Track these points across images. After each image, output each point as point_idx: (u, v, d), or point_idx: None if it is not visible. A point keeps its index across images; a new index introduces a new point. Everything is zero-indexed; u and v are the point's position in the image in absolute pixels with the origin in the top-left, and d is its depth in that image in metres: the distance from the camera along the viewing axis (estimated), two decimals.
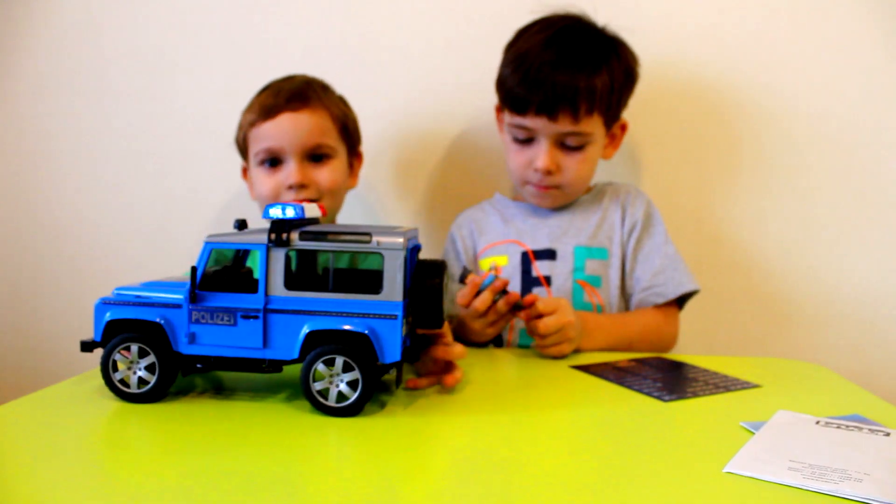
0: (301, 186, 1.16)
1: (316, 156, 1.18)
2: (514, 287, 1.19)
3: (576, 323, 1.04)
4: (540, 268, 1.20)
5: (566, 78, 1.14)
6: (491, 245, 1.25)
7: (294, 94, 1.18)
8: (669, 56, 1.36)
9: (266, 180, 1.19)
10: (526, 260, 1.21)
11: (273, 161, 1.18)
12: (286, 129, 1.16)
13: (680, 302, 1.21)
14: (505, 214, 1.28)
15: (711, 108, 1.37)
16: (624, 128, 1.26)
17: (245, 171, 1.27)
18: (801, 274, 1.37)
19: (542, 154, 1.17)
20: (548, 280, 1.19)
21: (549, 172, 1.18)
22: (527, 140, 1.19)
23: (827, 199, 1.36)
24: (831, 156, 1.35)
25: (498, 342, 1.20)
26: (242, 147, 1.24)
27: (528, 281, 1.20)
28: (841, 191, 1.36)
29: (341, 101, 1.25)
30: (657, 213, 1.24)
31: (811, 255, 1.37)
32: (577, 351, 1.07)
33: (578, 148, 1.18)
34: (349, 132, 1.24)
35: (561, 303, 1.04)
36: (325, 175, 1.18)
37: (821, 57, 1.34)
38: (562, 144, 1.18)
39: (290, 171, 1.16)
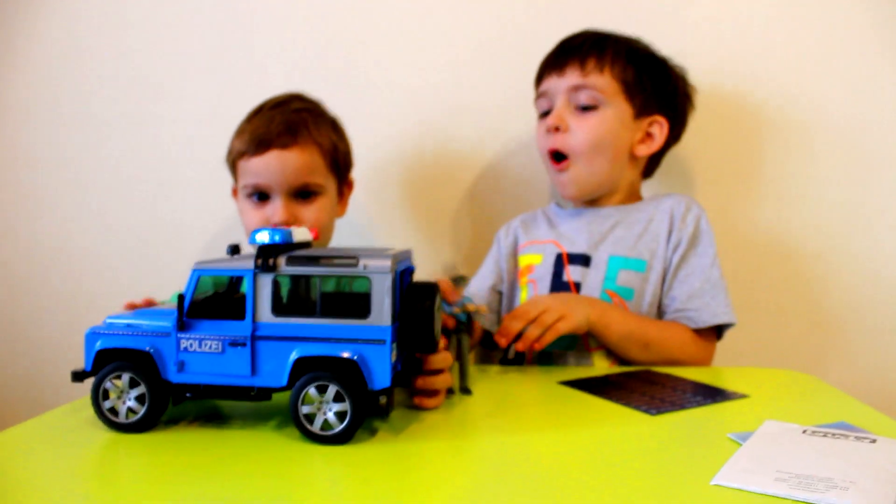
0: (286, 225, 1.15)
1: (303, 192, 1.18)
2: (544, 291, 1.19)
3: (559, 304, 1.04)
4: (572, 272, 1.19)
5: (579, 38, 1.19)
6: (531, 242, 1.26)
7: (285, 127, 1.16)
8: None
9: (253, 214, 1.19)
10: (559, 262, 1.20)
11: (260, 195, 1.18)
12: (274, 167, 1.15)
13: (719, 331, 1.15)
14: (552, 218, 1.28)
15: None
16: (663, 127, 1.22)
17: (235, 192, 1.27)
18: (797, 280, 1.39)
19: (555, 112, 1.18)
20: (577, 286, 1.18)
21: (555, 129, 1.18)
22: (546, 113, 1.21)
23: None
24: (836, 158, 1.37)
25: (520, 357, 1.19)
26: (232, 170, 1.24)
27: (558, 284, 1.19)
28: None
29: (333, 131, 1.24)
30: (709, 232, 1.18)
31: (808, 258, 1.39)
32: (590, 348, 1.07)
33: (590, 108, 1.17)
34: (339, 164, 1.24)
35: (529, 301, 1.06)
36: (311, 214, 1.18)
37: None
38: (576, 107, 1.18)
39: (276, 208, 1.16)
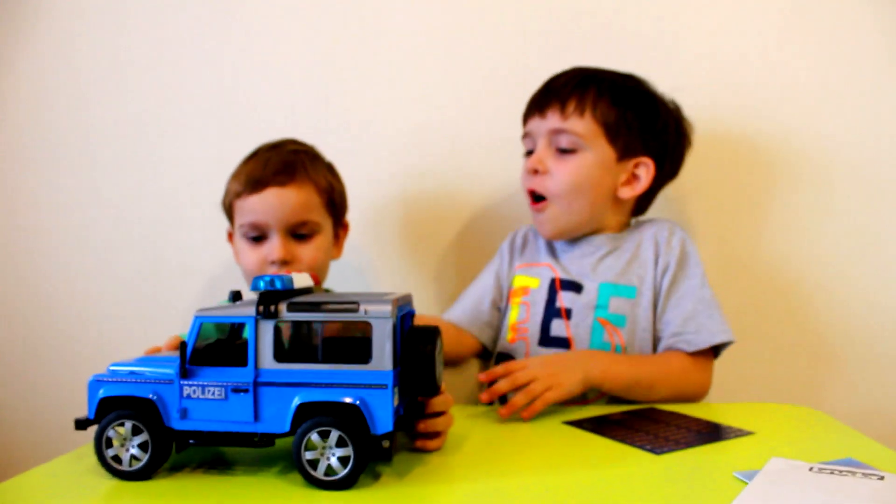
0: (284, 263, 1.16)
1: (301, 231, 1.19)
2: (537, 316, 1.19)
3: (550, 372, 1.02)
4: (564, 299, 1.18)
5: (563, 78, 1.19)
6: (527, 265, 1.25)
7: (281, 167, 1.18)
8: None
9: (250, 253, 1.19)
10: (553, 288, 1.20)
11: (258, 235, 1.19)
12: (271, 204, 1.16)
13: (716, 350, 1.15)
14: (553, 243, 1.27)
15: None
16: (649, 168, 1.19)
17: (230, 236, 1.27)
18: (800, 312, 1.39)
19: (536, 153, 1.19)
20: (568, 313, 1.17)
21: (534, 171, 1.18)
22: (531, 152, 1.22)
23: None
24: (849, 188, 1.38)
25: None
26: (228, 213, 1.25)
27: (551, 311, 1.19)
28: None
29: (328, 172, 1.25)
30: (695, 253, 1.18)
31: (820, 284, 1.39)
32: (588, 399, 1.05)
33: (570, 151, 1.17)
34: (335, 204, 1.24)
35: (519, 364, 1.04)
36: (308, 252, 1.19)
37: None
38: (557, 149, 1.18)
39: (274, 246, 1.17)
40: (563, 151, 1.18)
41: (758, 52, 1.38)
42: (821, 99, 1.37)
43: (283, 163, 1.19)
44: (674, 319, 1.15)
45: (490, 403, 1.05)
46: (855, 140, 1.37)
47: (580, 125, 1.16)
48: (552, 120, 1.18)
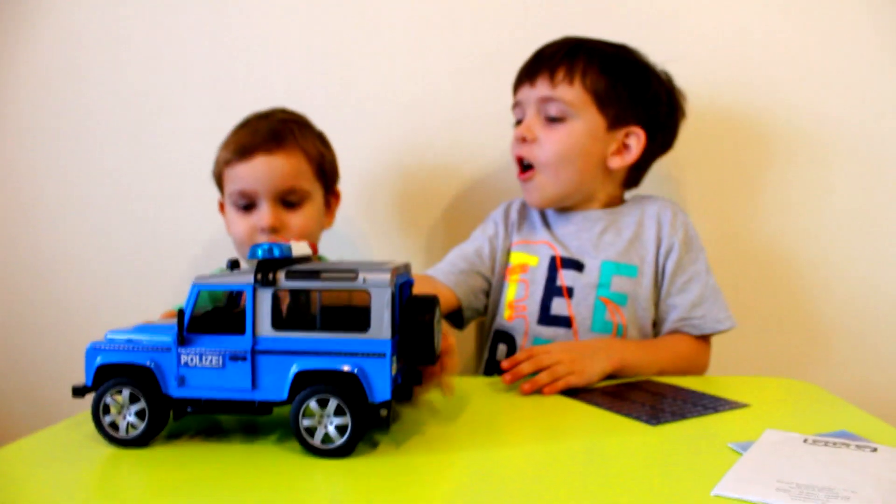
0: (273, 230, 1.16)
1: (290, 199, 1.18)
2: (537, 294, 1.18)
3: (573, 358, 1.01)
4: (565, 277, 1.18)
5: (553, 47, 1.19)
6: (524, 241, 1.24)
7: (270, 134, 1.17)
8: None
9: (240, 222, 1.19)
10: (553, 266, 1.19)
11: (247, 203, 1.18)
12: (260, 171, 1.16)
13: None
14: (546, 217, 1.27)
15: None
16: (640, 138, 1.19)
17: (222, 206, 1.27)
18: (795, 289, 1.39)
19: (525, 122, 1.19)
20: (570, 291, 1.18)
21: (523, 139, 1.18)
22: (520, 121, 1.21)
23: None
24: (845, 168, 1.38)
25: None
26: (219, 182, 1.24)
27: (552, 289, 1.18)
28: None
29: (319, 140, 1.24)
30: (698, 237, 1.20)
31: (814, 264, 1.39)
32: (612, 376, 1.05)
33: (559, 120, 1.17)
34: (325, 172, 1.24)
35: (542, 348, 1.04)
36: (298, 220, 1.18)
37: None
38: (546, 118, 1.18)
39: (263, 214, 1.16)
40: (552, 120, 1.17)
41: (758, 27, 1.37)
42: (820, 76, 1.37)
43: (272, 130, 1.18)
44: (681, 304, 1.16)
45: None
46: (853, 118, 1.37)
47: (569, 93, 1.16)
48: (541, 88, 1.17)
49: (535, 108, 1.18)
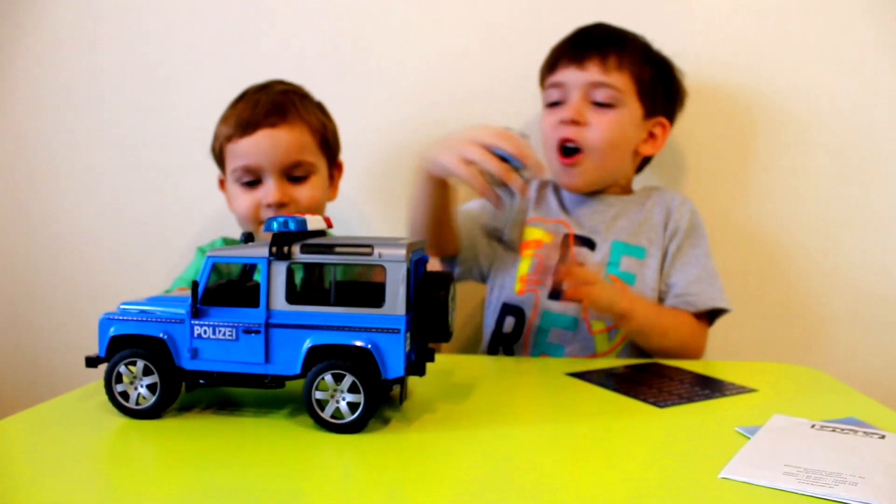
0: (280, 205, 1.15)
1: (296, 172, 1.17)
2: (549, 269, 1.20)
3: (609, 288, 1.09)
4: (577, 254, 1.20)
5: (598, 32, 1.20)
6: (539, 219, 1.25)
7: (272, 107, 1.15)
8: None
9: (244, 198, 1.18)
10: (566, 243, 1.21)
11: (251, 179, 1.17)
12: (264, 146, 1.14)
13: (710, 318, 1.19)
14: (561, 198, 1.28)
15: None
16: (665, 128, 1.24)
17: (222, 183, 1.25)
18: (799, 276, 1.39)
19: (572, 104, 1.18)
20: None
21: (574, 122, 1.17)
22: (557, 103, 1.20)
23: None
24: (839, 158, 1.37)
25: (518, 333, 1.20)
26: (219, 159, 1.23)
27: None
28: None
29: (319, 111, 1.23)
30: (702, 225, 1.23)
31: (812, 254, 1.39)
32: (592, 328, 1.08)
33: (608, 105, 1.17)
34: (329, 144, 1.22)
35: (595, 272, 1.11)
36: (305, 193, 1.17)
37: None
38: (592, 103, 1.18)
39: (270, 189, 1.15)
40: (599, 105, 1.18)
41: (755, 16, 1.36)
42: (810, 60, 1.36)
43: (274, 103, 1.16)
44: (679, 282, 1.18)
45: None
46: (848, 106, 1.36)
47: (620, 80, 1.17)
48: (592, 72, 1.17)
49: (582, 91, 1.18)
